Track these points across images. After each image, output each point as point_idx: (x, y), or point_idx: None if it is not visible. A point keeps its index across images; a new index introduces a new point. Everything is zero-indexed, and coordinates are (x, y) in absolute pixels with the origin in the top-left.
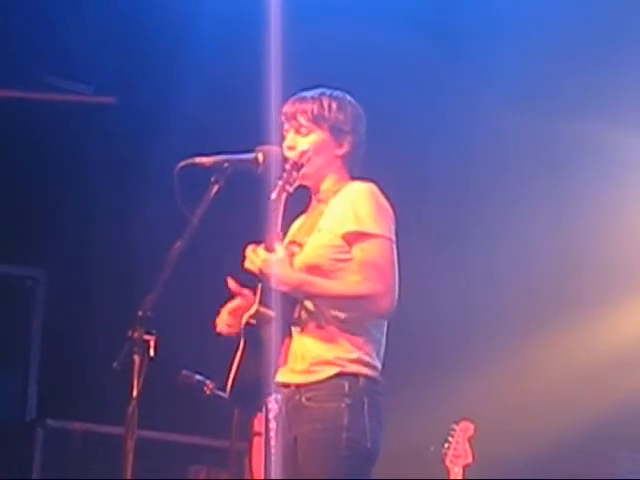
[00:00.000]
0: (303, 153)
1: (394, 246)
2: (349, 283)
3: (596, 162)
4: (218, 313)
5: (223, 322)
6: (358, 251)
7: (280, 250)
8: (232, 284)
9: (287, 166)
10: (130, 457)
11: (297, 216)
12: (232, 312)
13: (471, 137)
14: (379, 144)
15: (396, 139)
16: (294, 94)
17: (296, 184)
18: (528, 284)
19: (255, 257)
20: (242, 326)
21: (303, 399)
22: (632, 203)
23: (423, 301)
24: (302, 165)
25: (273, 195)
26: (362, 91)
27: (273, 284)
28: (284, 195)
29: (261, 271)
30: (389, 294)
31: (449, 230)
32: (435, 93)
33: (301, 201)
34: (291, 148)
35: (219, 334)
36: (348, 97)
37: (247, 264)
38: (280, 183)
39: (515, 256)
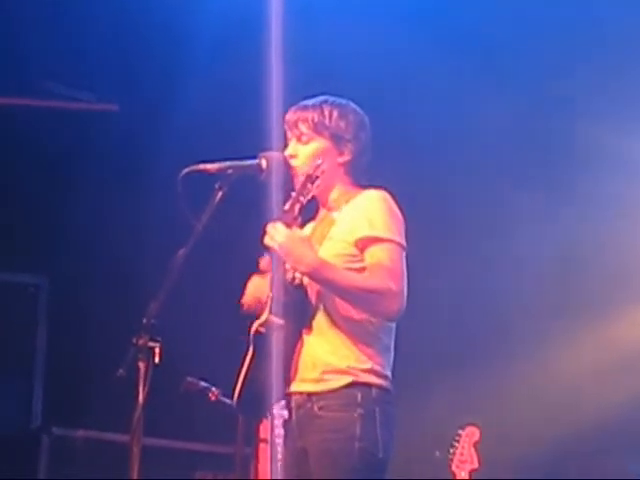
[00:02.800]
0: (317, 166)
1: (404, 253)
2: (365, 276)
3: (605, 165)
4: (244, 287)
5: (250, 294)
6: (370, 254)
7: (298, 230)
8: (265, 262)
9: (301, 177)
10: (135, 464)
11: (303, 225)
12: (258, 287)
13: (478, 142)
14: (387, 148)
15: (405, 143)
16: (296, 99)
17: (309, 196)
18: (537, 286)
19: (276, 232)
20: (251, 334)
21: (315, 408)
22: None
23: (431, 305)
24: (317, 177)
25: (286, 206)
26: (368, 95)
27: (291, 262)
28: (297, 206)
29: (281, 247)
30: (399, 295)
31: (457, 232)
32: (446, 96)
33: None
34: (292, 156)
35: (244, 310)
36: (351, 105)
37: (267, 240)
38: (294, 194)
39: (524, 258)
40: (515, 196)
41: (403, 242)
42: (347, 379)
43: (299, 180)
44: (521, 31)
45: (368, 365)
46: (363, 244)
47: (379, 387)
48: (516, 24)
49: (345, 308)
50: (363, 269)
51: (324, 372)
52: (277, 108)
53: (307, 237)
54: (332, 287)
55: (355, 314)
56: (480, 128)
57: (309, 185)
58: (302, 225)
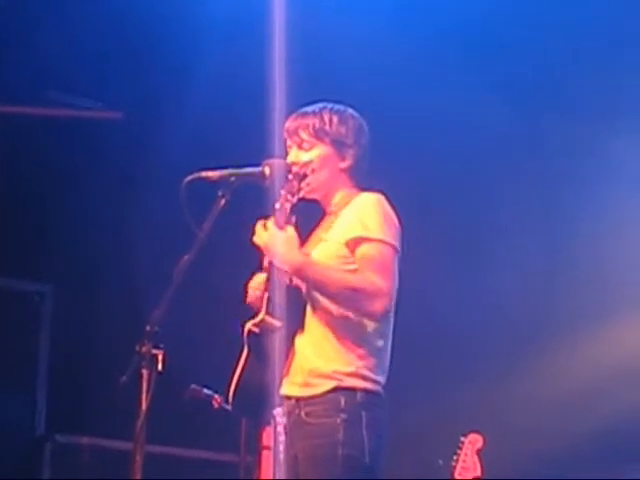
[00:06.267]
0: (306, 164)
1: (397, 255)
2: (350, 275)
3: (603, 172)
4: (248, 283)
5: (254, 288)
6: (359, 253)
7: (290, 230)
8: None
9: (289, 176)
10: (138, 472)
11: (311, 231)
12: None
13: (475, 147)
14: (387, 151)
15: (404, 146)
16: (298, 106)
17: (299, 194)
18: (535, 295)
19: (263, 232)
20: (245, 334)
21: (302, 414)
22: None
23: (432, 312)
24: (305, 175)
25: (277, 205)
26: (368, 101)
27: (276, 261)
28: (288, 205)
29: (267, 245)
30: (386, 294)
31: (453, 240)
32: (445, 99)
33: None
34: (295, 164)
35: (249, 304)
36: (350, 110)
37: (255, 238)
38: (282, 193)
39: (522, 267)
40: (509, 201)
41: (396, 244)
42: (331, 384)
43: (287, 179)
44: (524, 33)
45: (352, 368)
46: (354, 244)
47: (365, 391)
48: (518, 26)
49: (336, 309)
50: (356, 270)
51: (310, 376)
52: (279, 114)
53: (293, 237)
54: (317, 286)
55: (345, 314)
56: (479, 133)
57: (295, 183)
58: (297, 224)
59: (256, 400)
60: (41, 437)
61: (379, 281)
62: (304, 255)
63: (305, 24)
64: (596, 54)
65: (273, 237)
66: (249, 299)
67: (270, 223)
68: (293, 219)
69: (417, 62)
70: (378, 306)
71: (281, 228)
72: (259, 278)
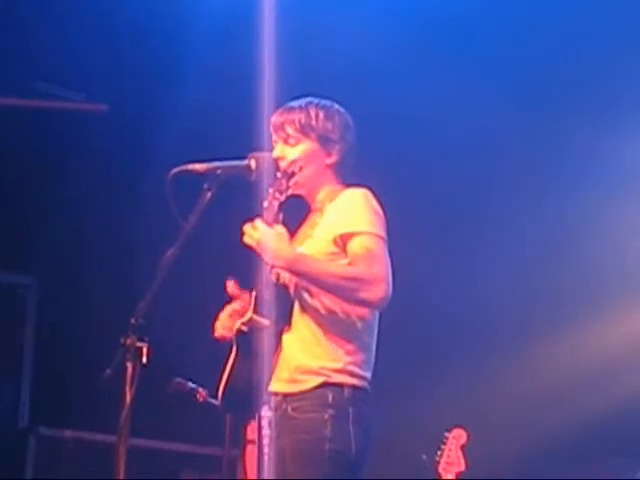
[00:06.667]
0: (294, 162)
1: (386, 245)
2: (343, 266)
3: (590, 169)
4: (216, 317)
5: (221, 326)
6: (350, 247)
7: (279, 227)
8: (231, 286)
9: (278, 174)
10: (122, 465)
11: (297, 228)
12: (231, 316)
13: (466, 142)
14: (376, 148)
15: (395, 142)
16: (286, 100)
17: (288, 192)
18: (523, 289)
19: (254, 231)
20: (234, 333)
21: (289, 409)
22: (625, 209)
23: (417, 308)
24: (293, 173)
25: (265, 204)
26: (358, 96)
27: (268, 257)
28: (276, 203)
29: (258, 243)
30: (383, 281)
31: (442, 230)
32: (436, 97)
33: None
34: (280, 159)
35: (217, 339)
36: (336, 106)
37: (246, 238)
38: (271, 191)
39: (510, 260)
40: (500, 195)
41: (384, 235)
42: (319, 380)
43: (276, 177)
44: (517, 29)
45: (340, 364)
46: (343, 240)
47: (352, 387)
48: (510, 22)
49: (324, 306)
50: (348, 265)
51: (297, 372)
52: (269, 108)
53: (284, 233)
54: (312, 279)
55: (334, 311)
56: (471, 129)
57: (284, 182)
58: (285, 222)
59: (243, 397)
60: (25, 429)
61: (375, 270)
62: (295, 250)
63: (294, 19)
64: (590, 53)
65: (264, 234)
66: (216, 334)
67: (259, 221)
68: (280, 217)
69: (408, 56)
70: (378, 294)
71: (269, 226)
72: (226, 312)
